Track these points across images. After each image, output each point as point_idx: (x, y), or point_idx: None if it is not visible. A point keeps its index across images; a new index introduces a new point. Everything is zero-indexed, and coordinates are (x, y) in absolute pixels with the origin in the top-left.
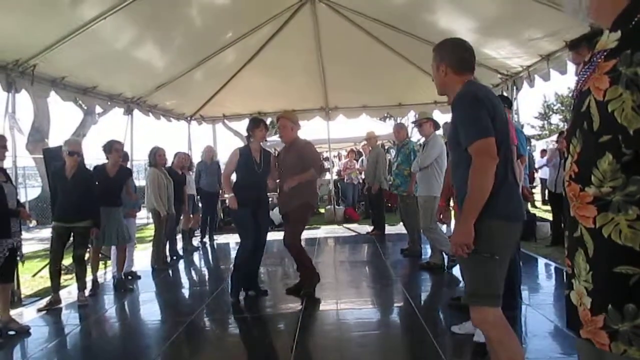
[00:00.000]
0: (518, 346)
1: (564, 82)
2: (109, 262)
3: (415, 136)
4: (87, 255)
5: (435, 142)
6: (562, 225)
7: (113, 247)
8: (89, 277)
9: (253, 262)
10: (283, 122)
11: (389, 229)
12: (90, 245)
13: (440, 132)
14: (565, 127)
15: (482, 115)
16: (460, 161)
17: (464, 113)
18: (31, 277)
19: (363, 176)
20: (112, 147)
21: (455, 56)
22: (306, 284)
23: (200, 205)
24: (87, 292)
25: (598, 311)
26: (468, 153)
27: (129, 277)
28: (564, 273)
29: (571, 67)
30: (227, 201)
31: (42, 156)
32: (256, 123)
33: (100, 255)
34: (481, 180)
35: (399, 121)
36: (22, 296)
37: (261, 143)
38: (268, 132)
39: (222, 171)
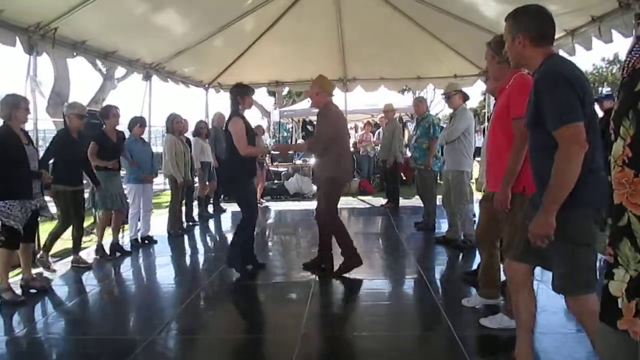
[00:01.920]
0: None
1: (587, 58)
2: (126, 227)
3: (434, 110)
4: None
5: (463, 115)
6: None
7: (130, 212)
8: (89, 243)
9: (250, 236)
10: (310, 88)
11: (403, 202)
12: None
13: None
14: None
15: (571, 97)
16: (542, 144)
17: (551, 93)
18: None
19: (379, 148)
20: (110, 112)
21: (535, 26)
22: (346, 263)
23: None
24: (85, 256)
25: (634, 296)
26: (551, 136)
27: (146, 242)
28: (604, 262)
29: (597, 43)
30: (276, 153)
31: (62, 119)
32: (246, 90)
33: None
34: (568, 169)
35: (417, 94)
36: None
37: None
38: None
39: (238, 143)
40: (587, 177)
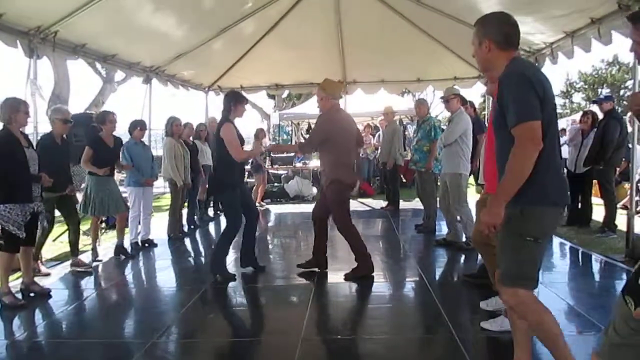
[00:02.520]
0: (557, 326)
1: (587, 60)
2: (126, 230)
3: (434, 112)
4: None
5: (461, 118)
6: (579, 205)
7: (130, 215)
8: (89, 246)
9: (250, 238)
10: (317, 92)
11: (403, 205)
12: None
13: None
14: (588, 105)
15: (529, 96)
16: (505, 143)
17: (511, 93)
18: (51, 241)
19: (379, 151)
20: (106, 119)
21: (500, 31)
22: (357, 270)
23: None
24: (86, 259)
25: None
26: (512, 135)
27: (146, 245)
28: (605, 264)
29: (596, 45)
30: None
31: None
32: (240, 99)
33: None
34: (520, 164)
35: (417, 96)
36: (43, 260)
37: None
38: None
39: (231, 149)
40: (544, 175)
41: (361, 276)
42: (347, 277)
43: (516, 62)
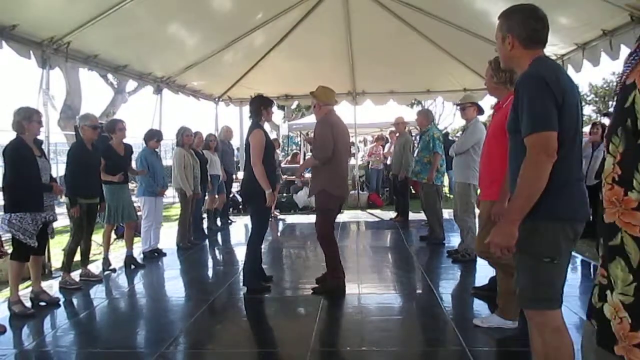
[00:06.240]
0: (571, 356)
1: (598, 72)
2: (137, 239)
3: (443, 123)
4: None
5: (475, 128)
6: (590, 217)
7: (144, 225)
8: (99, 256)
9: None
10: (311, 101)
11: (412, 216)
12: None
13: (482, 118)
14: (599, 118)
15: (546, 103)
16: (518, 150)
17: (527, 98)
18: (61, 250)
19: (389, 162)
20: (116, 127)
21: (525, 27)
22: (326, 283)
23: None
24: (95, 269)
25: (638, 326)
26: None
27: (155, 254)
28: (598, 284)
29: (604, 58)
30: (267, 198)
31: (73, 132)
32: (270, 102)
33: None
34: (533, 179)
35: (425, 106)
36: (53, 269)
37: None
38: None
39: (254, 155)
40: (560, 189)
41: (331, 290)
42: (316, 291)
43: (538, 63)
